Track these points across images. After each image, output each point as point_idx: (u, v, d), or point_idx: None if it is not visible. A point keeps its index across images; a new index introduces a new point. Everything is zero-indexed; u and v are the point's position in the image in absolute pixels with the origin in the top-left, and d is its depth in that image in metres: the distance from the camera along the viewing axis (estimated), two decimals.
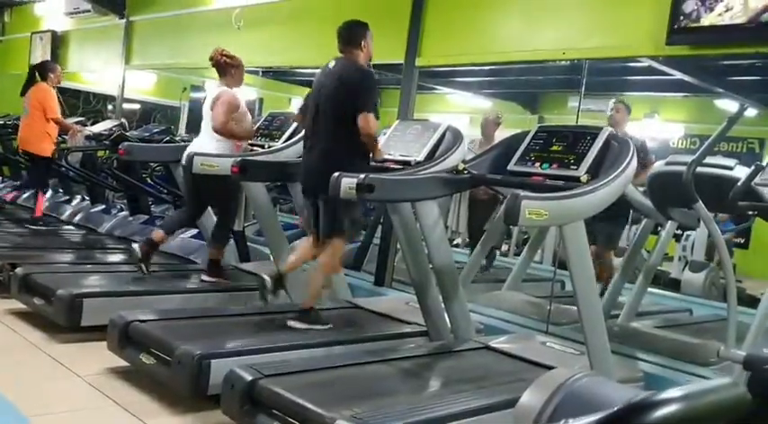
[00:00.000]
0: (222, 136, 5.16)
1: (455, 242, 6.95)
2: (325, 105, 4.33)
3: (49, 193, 8.39)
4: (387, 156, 4.38)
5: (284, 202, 7.99)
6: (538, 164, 3.70)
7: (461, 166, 3.94)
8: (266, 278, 4.45)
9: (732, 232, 7.85)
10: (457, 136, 4.28)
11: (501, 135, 5.92)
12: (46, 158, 7.61)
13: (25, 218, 7.73)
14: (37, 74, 7.86)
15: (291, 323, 4.28)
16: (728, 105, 8.03)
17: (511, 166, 3.83)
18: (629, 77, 7.76)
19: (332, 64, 4.43)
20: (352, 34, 4.41)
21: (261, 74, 8.55)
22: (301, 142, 5.18)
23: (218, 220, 5.48)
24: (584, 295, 3.44)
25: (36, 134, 7.58)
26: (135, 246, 5.26)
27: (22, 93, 7.85)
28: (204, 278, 5.34)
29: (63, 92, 8.86)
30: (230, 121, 5.15)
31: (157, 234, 5.30)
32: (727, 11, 3.94)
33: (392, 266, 5.78)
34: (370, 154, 4.32)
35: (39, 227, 7.33)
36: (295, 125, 5.37)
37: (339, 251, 4.45)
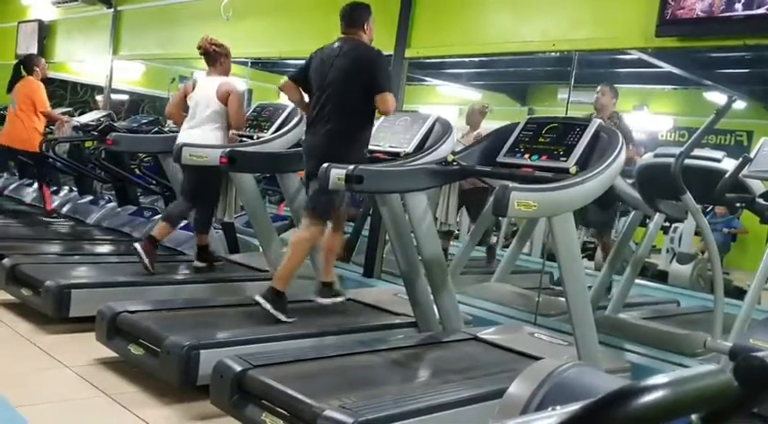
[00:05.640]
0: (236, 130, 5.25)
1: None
2: (336, 84, 4.25)
3: (35, 185, 8.36)
4: (376, 148, 4.38)
5: (273, 193, 7.98)
6: (527, 156, 3.70)
7: (451, 157, 3.95)
8: (263, 302, 4.11)
9: (738, 227, 7.92)
10: (446, 128, 4.28)
11: (489, 126, 5.92)
12: (38, 153, 7.56)
13: (8, 209, 7.73)
14: (23, 68, 7.79)
15: (317, 299, 4.46)
16: (717, 97, 8.07)
17: (500, 158, 3.83)
18: (618, 69, 7.77)
19: (337, 44, 4.36)
20: (356, 16, 4.38)
21: (250, 65, 8.51)
22: (290, 134, 5.17)
23: (200, 208, 5.41)
24: (572, 287, 3.45)
25: (26, 131, 7.53)
26: (137, 245, 5.06)
27: (9, 90, 7.77)
28: (196, 264, 5.34)
29: (50, 82, 8.79)
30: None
31: (160, 230, 5.16)
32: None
33: (381, 257, 5.78)
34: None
35: (54, 220, 7.34)
36: (284, 116, 5.35)
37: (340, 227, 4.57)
